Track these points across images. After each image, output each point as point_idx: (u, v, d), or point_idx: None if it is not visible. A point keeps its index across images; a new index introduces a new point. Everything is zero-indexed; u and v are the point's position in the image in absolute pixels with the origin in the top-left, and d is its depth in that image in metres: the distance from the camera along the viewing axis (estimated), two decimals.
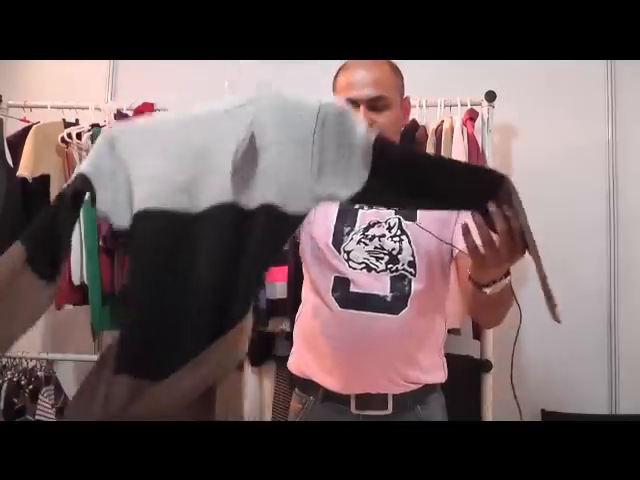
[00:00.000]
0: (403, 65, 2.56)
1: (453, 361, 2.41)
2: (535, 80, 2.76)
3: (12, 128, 2.72)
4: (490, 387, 2.45)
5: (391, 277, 1.53)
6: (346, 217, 1.57)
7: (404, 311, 1.52)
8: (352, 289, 1.54)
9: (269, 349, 2.51)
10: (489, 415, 2.43)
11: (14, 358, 2.70)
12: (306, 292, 1.67)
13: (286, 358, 2.48)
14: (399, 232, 1.54)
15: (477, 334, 2.45)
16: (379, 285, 1.52)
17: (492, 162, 2.49)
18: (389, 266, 1.53)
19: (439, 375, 1.64)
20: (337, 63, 2.62)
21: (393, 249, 1.53)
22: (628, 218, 2.71)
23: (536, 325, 2.67)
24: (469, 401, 2.45)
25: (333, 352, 1.56)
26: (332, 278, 1.56)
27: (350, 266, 1.54)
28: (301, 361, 1.66)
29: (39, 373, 2.68)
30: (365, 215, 1.57)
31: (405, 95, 1.63)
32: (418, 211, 1.54)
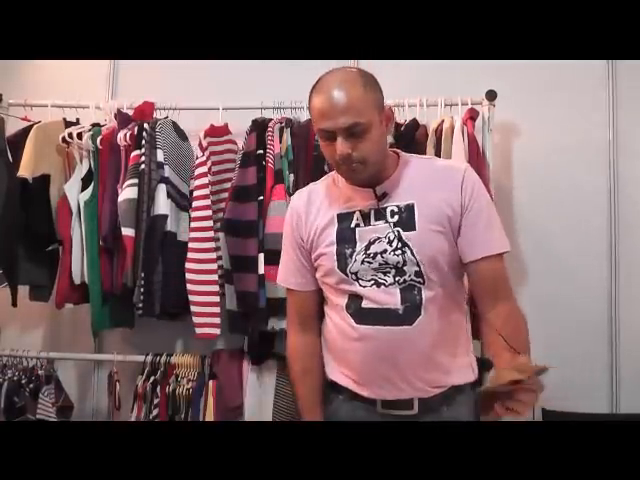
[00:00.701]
0: (404, 64, 2.57)
1: None
2: (536, 79, 2.76)
3: (13, 127, 2.72)
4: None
5: (400, 289, 1.55)
6: (345, 238, 1.58)
7: (419, 319, 1.54)
8: (364, 305, 1.57)
9: (269, 348, 2.51)
10: None
11: (15, 357, 2.70)
12: (326, 307, 1.71)
13: (286, 357, 2.49)
14: (400, 245, 1.53)
15: (477, 333, 2.44)
16: (390, 299, 1.54)
17: (492, 161, 2.49)
18: (397, 279, 1.54)
19: (467, 375, 1.65)
20: (338, 63, 2.61)
21: (397, 262, 1.54)
22: (629, 216, 2.71)
23: (536, 324, 2.68)
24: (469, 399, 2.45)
25: (356, 364, 1.61)
26: (345, 296, 1.60)
27: (360, 285, 1.57)
28: (328, 367, 1.71)
29: (40, 372, 2.68)
30: (363, 232, 1.57)
31: (386, 104, 1.55)
32: (417, 218, 1.54)
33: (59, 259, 2.68)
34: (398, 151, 1.66)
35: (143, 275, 2.44)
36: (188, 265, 2.45)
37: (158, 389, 2.57)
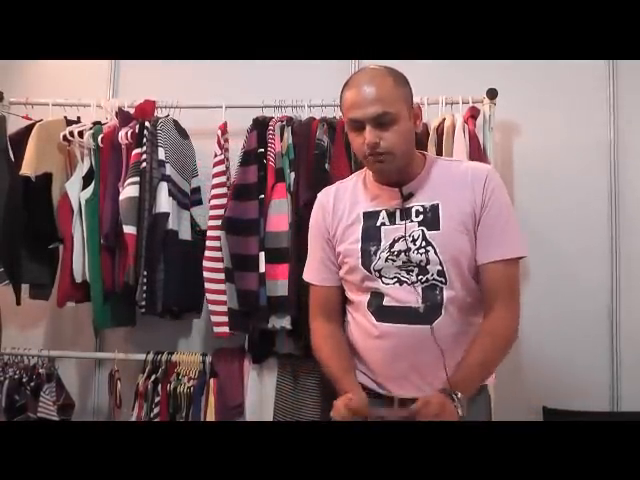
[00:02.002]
0: (405, 62, 2.55)
1: None
2: (537, 78, 2.76)
3: (13, 125, 2.71)
4: (492, 384, 2.44)
5: (423, 288, 1.56)
6: (371, 236, 1.60)
7: (439, 319, 1.55)
8: (385, 303, 1.59)
9: (270, 346, 2.51)
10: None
11: (16, 355, 2.70)
12: (348, 307, 1.72)
13: (287, 355, 2.50)
14: (424, 244, 1.56)
15: None
16: (411, 297, 1.56)
17: (493, 160, 2.49)
18: (420, 277, 1.56)
19: None
20: (341, 63, 2.61)
21: (421, 261, 1.56)
22: (630, 215, 2.71)
23: (537, 322, 2.69)
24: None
25: (376, 363, 1.62)
26: (367, 294, 1.62)
27: (383, 282, 1.59)
28: None
29: (41, 370, 2.68)
30: (388, 231, 1.59)
31: (415, 103, 1.60)
32: (441, 218, 1.56)
33: (58, 258, 2.69)
34: (425, 153, 1.69)
35: (145, 273, 2.44)
36: (206, 264, 2.46)
37: (159, 387, 2.57)
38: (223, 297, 2.46)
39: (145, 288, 2.45)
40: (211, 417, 2.47)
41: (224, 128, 2.57)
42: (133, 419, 2.55)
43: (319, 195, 1.79)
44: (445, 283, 1.56)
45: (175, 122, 2.63)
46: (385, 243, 1.58)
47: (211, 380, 2.55)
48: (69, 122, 2.69)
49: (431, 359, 1.55)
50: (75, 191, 2.59)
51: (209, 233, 2.49)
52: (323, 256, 1.72)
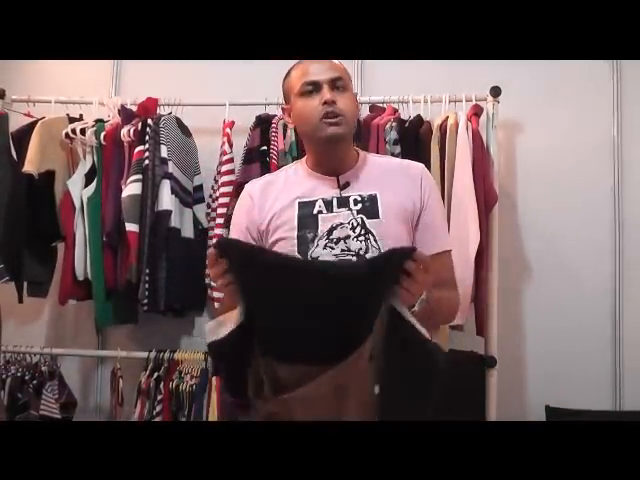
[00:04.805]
0: (408, 60, 2.55)
1: (457, 357, 2.41)
2: (540, 76, 2.75)
3: (14, 123, 2.71)
4: (495, 383, 2.44)
5: None
6: (307, 223, 1.55)
7: None
8: None
9: None
10: (493, 410, 2.43)
11: (18, 353, 2.70)
12: None
13: None
14: (363, 231, 1.53)
15: (481, 330, 2.44)
16: None
17: (496, 158, 2.48)
18: None
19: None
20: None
21: (360, 249, 1.53)
22: (633, 215, 2.70)
23: (540, 321, 2.68)
24: (473, 397, 2.45)
25: None
26: None
27: None
28: None
29: (43, 368, 2.68)
30: (326, 219, 1.55)
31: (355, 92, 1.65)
32: (380, 207, 1.55)
33: (57, 255, 2.69)
34: (357, 148, 1.68)
35: (148, 271, 2.44)
36: None
37: (161, 385, 2.57)
38: None
39: (147, 286, 2.45)
40: (213, 415, 2.47)
41: (232, 126, 2.57)
42: (135, 417, 2.55)
43: (247, 186, 1.71)
44: None
45: (178, 120, 2.63)
46: (323, 230, 1.54)
47: (213, 378, 2.55)
48: (71, 120, 2.68)
49: None
50: (77, 189, 2.59)
51: (216, 231, 2.49)
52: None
